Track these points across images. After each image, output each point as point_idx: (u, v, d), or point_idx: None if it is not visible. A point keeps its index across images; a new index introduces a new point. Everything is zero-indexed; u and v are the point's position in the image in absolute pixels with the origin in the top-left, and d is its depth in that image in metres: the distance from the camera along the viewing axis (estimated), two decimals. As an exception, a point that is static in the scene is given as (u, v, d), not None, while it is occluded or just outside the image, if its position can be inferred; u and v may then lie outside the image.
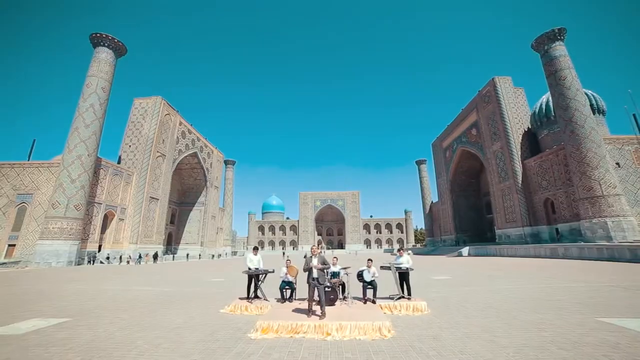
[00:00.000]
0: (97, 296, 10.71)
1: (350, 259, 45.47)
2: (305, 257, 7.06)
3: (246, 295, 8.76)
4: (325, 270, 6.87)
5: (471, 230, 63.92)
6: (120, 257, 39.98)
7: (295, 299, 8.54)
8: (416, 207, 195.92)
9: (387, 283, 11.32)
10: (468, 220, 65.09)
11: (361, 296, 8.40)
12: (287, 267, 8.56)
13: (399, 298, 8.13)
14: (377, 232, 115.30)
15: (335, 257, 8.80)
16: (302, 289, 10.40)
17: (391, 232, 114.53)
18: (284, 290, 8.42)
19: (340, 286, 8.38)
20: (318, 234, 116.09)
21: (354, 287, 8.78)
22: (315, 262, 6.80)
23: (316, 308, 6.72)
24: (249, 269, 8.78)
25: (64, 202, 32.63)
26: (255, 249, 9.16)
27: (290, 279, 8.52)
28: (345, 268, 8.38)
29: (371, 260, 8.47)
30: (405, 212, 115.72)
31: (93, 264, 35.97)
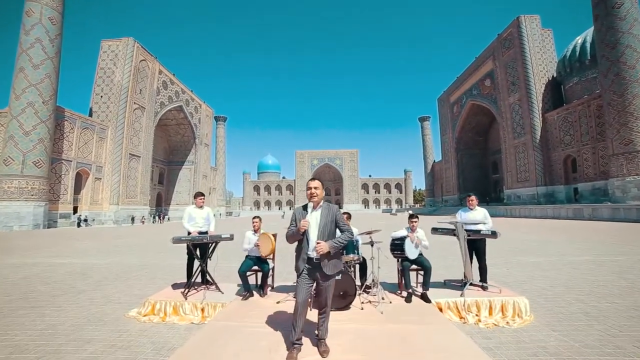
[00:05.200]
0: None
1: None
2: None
3: (186, 281, 4.86)
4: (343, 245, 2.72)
5: (475, 190, 60.75)
6: (133, 218, 40.34)
7: (272, 289, 4.66)
8: (416, 167, 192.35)
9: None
10: (473, 180, 61.94)
11: (395, 281, 4.55)
12: (254, 231, 4.51)
13: (468, 286, 4.25)
14: (375, 192, 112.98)
15: (347, 213, 4.65)
16: (285, 271, 6.53)
17: (390, 192, 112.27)
18: (248, 274, 4.45)
19: (358, 266, 4.45)
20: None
21: (385, 267, 4.86)
22: (316, 218, 2.67)
23: (312, 316, 2.82)
24: (188, 233, 4.78)
25: (19, 158, 27.93)
26: (199, 196, 4.97)
27: (261, 253, 4.51)
28: (369, 233, 4.30)
29: (417, 218, 4.38)
30: (405, 172, 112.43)
31: (79, 226, 33.46)
